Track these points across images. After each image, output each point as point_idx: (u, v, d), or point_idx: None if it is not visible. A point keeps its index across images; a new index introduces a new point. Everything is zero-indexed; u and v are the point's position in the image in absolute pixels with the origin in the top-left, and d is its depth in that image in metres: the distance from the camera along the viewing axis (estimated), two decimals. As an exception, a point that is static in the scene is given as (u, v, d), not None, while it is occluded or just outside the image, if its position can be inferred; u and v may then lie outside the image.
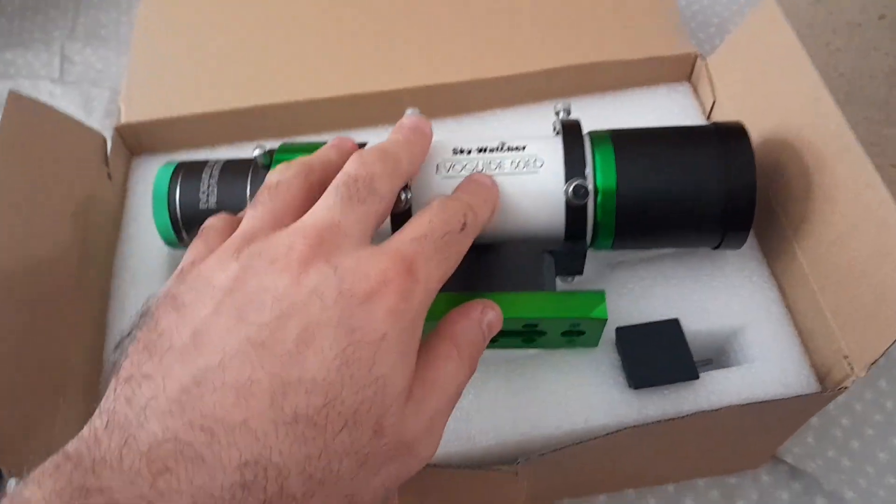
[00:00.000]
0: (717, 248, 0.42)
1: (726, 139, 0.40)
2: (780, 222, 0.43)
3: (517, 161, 0.40)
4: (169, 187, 0.42)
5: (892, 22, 0.68)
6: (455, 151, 0.41)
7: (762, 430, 0.43)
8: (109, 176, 0.50)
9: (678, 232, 0.41)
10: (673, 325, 0.41)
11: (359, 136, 0.52)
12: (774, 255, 0.44)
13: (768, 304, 0.43)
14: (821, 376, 0.40)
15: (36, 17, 0.80)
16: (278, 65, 0.53)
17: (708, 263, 0.45)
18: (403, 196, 0.38)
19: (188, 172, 0.43)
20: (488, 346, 0.40)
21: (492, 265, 0.39)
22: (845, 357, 0.38)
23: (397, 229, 0.40)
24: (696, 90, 0.53)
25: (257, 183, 0.41)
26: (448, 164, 0.40)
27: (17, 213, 0.41)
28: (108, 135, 0.51)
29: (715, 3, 0.74)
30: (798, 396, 0.39)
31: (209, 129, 0.52)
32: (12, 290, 0.39)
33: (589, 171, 0.39)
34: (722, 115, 0.50)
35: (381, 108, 0.52)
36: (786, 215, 0.43)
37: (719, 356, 0.44)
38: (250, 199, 0.41)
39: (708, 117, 0.52)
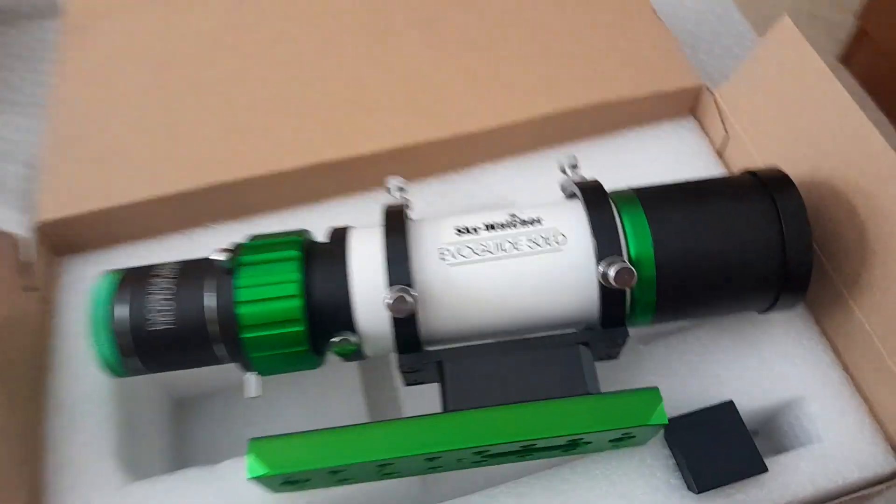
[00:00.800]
0: (765, 311, 0.36)
1: (770, 190, 0.35)
2: (829, 276, 0.38)
3: (535, 238, 0.34)
4: (112, 304, 0.34)
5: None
6: (459, 231, 0.34)
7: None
8: (30, 287, 0.41)
9: (726, 300, 0.35)
10: (728, 410, 0.36)
11: (332, 207, 0.45)
12: (824, 312, 0.39)
13: (824, 370, 0.38)
14: (899, 451, 0.35)
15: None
16: (231, 134, 0.45)
17: (750, 328, 0.39)
18: (409, 298, 0.31)
19: (134, 285, 0.35)
20: (522, 460, 0.34)
21: (522, 369, 0.33)
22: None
23: (402, 335, 0.34)
24: (702, 125, 0.48)
25: (220, 293, 0.33)
26: (454, 249, 0.34)
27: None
28: (26, 227, 0.42)
29: (718, 28, 0.68)
30: (883, 482, 0.34)
31: (152, 218, 0.43)
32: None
33: (622, 242, 0.33)
34: (739, 154, 0.45)
35: (354, 174, 0.45)
36: (835, 267, 0.38)
37: (771, 431, 0.39)
38: (214, 314, 0.33)
39: (720, 155, 0.47)
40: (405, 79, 0.47)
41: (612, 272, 0.31)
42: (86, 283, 0.42)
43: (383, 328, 0.33)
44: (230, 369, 0.36)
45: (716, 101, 0.46)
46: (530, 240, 0.34)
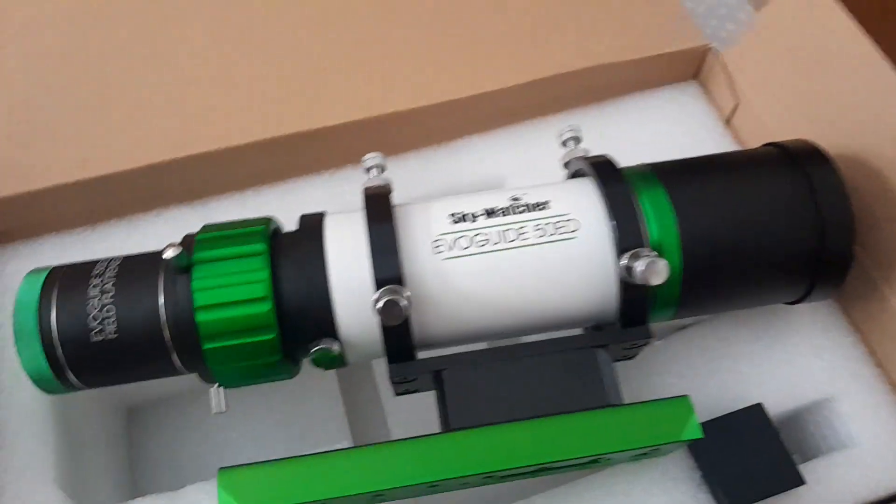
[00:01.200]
0: (796, 302, 0.33)
1: (803, 166, 0.31)
2: (860, 261, 0.34)
3: (543, 226, 0.29)
4: (40, 313, 0.28)
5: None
6: (455, 218, 0.30)
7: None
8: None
9: (757, 291, 0.31)
10: (757, 414, 0.32)
11: (296, 187, 0.40)
12: (854, 302, 0.35)
13: (856, 366, 0.34)
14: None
15: None
16: (177, 105, 0.39)
17: (774, 320, 0.36)
18: (402, 301, 0.26)
19: (68, 286, 0.29)
20: (534, 477, 0.30)
21: (533, 378, 0.28)
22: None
23: (393, 343, 0.29)
24: (707, 91, 0.44)
25: (174, 296, 0.28)
26: (450, 240, 0.29)
27: None
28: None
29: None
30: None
31: (84, 203, 0.37)
32: None
33: (644, 230, 0.29)
34: (750, 123, 0.41)
35: (320, 149, 0.39)
36: (868, 253, 0.34)
37: (797, 433, 0.35)
38: (167, 321, 0.28)
39: (727, 122, 0.42)
40: (379, 41, 0.41)
41: (639, 266, 0.27)
42: (7, 280, 0.36)
43: (370, 334, 0.28)
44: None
45: (723, 64, 0.41)
46: (537, 227, 0.29)
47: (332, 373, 0.42)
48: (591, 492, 0.31)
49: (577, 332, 0.31)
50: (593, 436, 0.27)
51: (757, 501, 0.30)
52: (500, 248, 0.29)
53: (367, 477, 0.26)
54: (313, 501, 0.26)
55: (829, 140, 0.35)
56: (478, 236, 0.29)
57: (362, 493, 0.26)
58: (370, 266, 0.28)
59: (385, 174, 0.32)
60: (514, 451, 0.26)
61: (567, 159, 0.34)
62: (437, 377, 0.29)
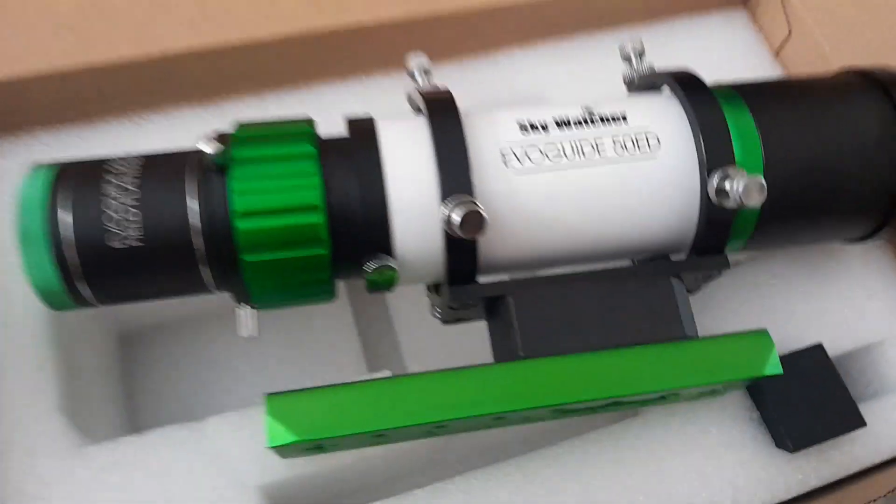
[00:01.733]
0: (862, 239, 0.31)
1: (891, 93, 0.29)
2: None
3: (623, 140, 0.27)
4: (49, 213, 0.24)
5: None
6: (524, 128, 0.27)
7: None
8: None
9: (831, 224, 0.30)
10: (817, 354, 0.31)
11: (320, 92, 0.36)
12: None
13: (908, 308, 0.33)
14: None
15: None
16: None
17: (827, 260, 0.34)
18: (482, 213, 0.23)
19: (81, 183, 0.25)
20: (605, 410, 0.28)
21: (607, 307, 0.26)
22: None
23: (456, 262, 0.26)
24: (754, 17, 0.41)
25: (209, 199, 0.24)
26: (521, 151, 0.26)
27: None
28: None
29: None
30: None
31: (80, 93, 0.32)
32: None
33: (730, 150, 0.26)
34: (805, 54, 0.38)
35: (352, 51, 0.35)
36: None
37: (851, 374, 0.34)
38: (207, 229, 0.24)
39: (777, 53, 0.40)
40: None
41: (737, 186, 0.24)
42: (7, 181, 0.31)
43: (431, 252, 0.26)
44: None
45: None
46: (616, 142, 0.26)
47: (343, 299, 0.39)
48: (649, 430, 0.29)
49: (654, 259, 0.29)
50: (673, 369, 0.25)
51: (819, 442, 0.29)
52: (578, 164, 0.26)
53: (432, 406, 0.24)
54: (372, 432, 0.23)
55: None
56: (551, 149, 0.26)
57: (427, 423, 0.24)
58: (436, 176, 0.25)
59: (431, 79, 0.29)
60: (590, 383, 0.24)
61: (633, 74, 0.31)
62: (494, 305, 0.26)
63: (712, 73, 0.35)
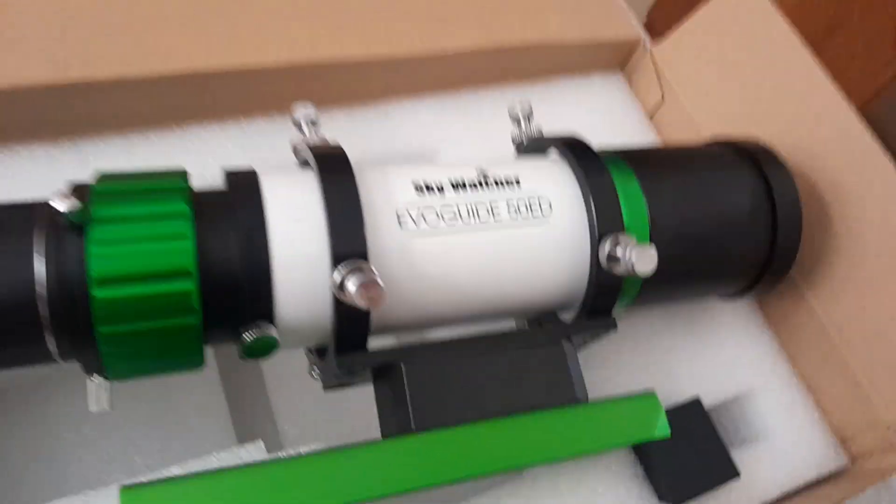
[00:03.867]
0: (734, 297, 0.33)
1: (760, 166, 0.31)
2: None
3: (516, 205, 0.26)
4: None
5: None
6: (419, 188, 0.26)
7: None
8: None
9: (712, 282, 0.31)
10: (695, 408, 0.32)
11: (198, 134, 0.33)
12: (771, 300, 0.36)
13: (773, 361, 0.35)
14: (845, 444, 0.34)
15: None
16: (71, 20, 0.30)
17: (700, 313, 0.36)
18: (378, 281, 0.22)
19: None
20: (471, 477, 0.27)
21: (499, 372, 0.25)
22: (888, 428, 0.32)
23: (345, 331, 0.24)
24: (630, 81, 0.43)
25: (60, 262, 0.21)
26: (416, 214, 0.25)
27: None
28: None
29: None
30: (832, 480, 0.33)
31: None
32: None
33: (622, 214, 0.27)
34: (675, 120, 0.41)
35: (233, 93, 0.33)
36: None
37: (722, 424, 0.36)
38: (55, 294, 0.21)
39: (651, 117, 0.42)
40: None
41: (628, 253, 0.25)
42: None
43: (318, 318, 0.24)
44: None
45: (653, 59, 0.41)
46: (510, 206, 0.26)
47: (209, 359, 0.36)
48: (536, 491, 0.29)
49: (531, 322, 0.29)
50: (566, 436, 0.25)
51: (697, 495, 0.30)
52: (473, 227, 0.25)
53: (315, 495, 0.22)
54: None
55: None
56: (447, 211, 0.25)
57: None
58: (327, 238, 0.23)
59: (318, 130, 0.27)
60: (484, 455, 0.24)
61: (522, 136, 0.31)
62: (382, 370, 0.25)
63: (592, 132, 0.36)
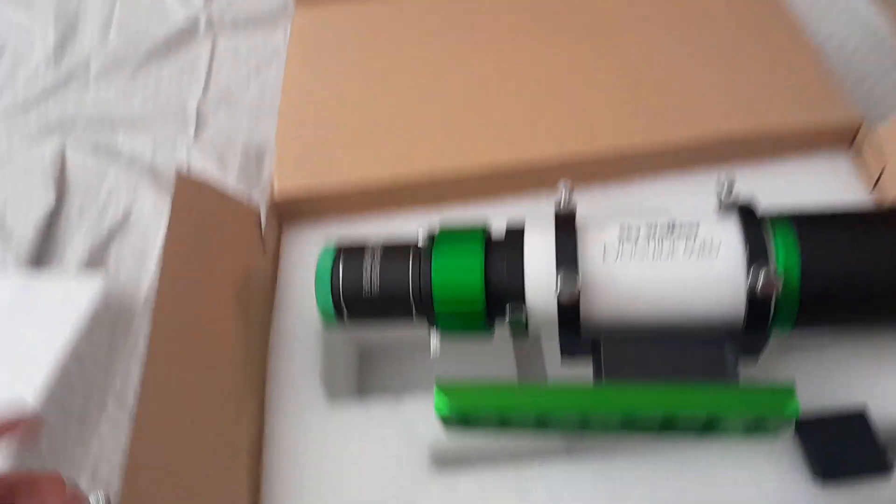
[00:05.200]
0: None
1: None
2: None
3: (691, 245, 0.39)
4: (332, 271, 0.43)
5: None
6: (622, 231, 0.40)
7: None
8: (264, 249, 0.51)
9: (865, 323, 0.39)
10: (860, 414, 0.39)
11: (507, 204, 0.52)
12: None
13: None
14: None
15: (171, 79, 0.84)
16: (431, 132, 0.54)
17: (892, 343, 0.42)
18: (576, 287, 0.37)
19: (350, 257, 0.43)
20: (663, 434, 0.39)
21: (670, 354, 0.38)
22: None
23: (565, 320, 0.39)
24: (859, 161, 0.50)
25: (419, 269, 0.41)
26: (616, 249, 0.39)
27: (187, 289, 0.43)
28: (250, 194, 0.52)
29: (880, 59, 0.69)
30: None
31: (360, 201, 0.53)
32: (183, 365, 0.41)
33: (772, 256, 0.38)
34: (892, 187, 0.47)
35: (528, 178, 0.52)
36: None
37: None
38: (412, 287, 0.41)
39: (874, 188, 0.49)
40: (576, 90, 0.54)
41: (760, 280, 0.36)
42: (304, 247, 0.52)
43: (549, 312, 0.40)
44: (405, 332, 0.44)
45: (877, 138, 0.48)
46: (687, 248, 0.39)
47: (509, 347, 0.54)
48: (707, 453, 0.40)
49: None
50: (710, 399, 0.36)
51: (844, 476, 0.37)
52: (655, 259, 0.39)
53: (541, 401, 0.37)
54: (501, 413, 0.38)
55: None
56: (638, 248, 0.39)
57: (536, 413, 0.37)
58: (555, 262, 0.39)
59: (573, 198, 0.44)
60: (648, 401, 0.36)
61: (721, 199, 0.43)
62: (595, 346, 0.39)
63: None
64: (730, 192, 0.42)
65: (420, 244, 0.42)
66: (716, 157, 0.51)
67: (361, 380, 0.55)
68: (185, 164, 0.74)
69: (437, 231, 0.43)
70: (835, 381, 0.41)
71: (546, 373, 0.51)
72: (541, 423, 0.39)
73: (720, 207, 0.43)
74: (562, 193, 0.44)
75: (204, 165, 0.74)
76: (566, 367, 0.42)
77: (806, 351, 0.43)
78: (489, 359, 0.53)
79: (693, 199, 0.50)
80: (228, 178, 0.72)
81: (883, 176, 0.48)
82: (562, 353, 0.41)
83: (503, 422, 0.39)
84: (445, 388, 0.38)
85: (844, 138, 0.50)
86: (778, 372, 0.43)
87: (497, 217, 0.44)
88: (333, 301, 0.43)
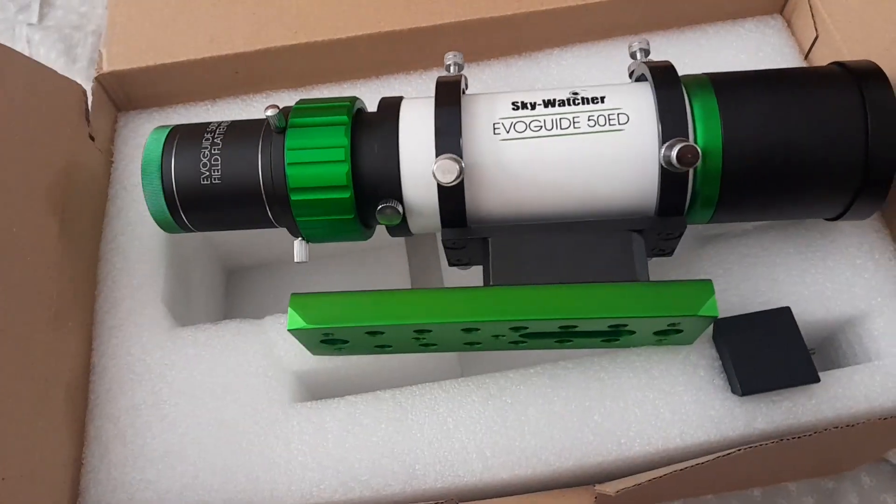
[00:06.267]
0: (835, 219, 0.34)
1: (858, 81, 0.32)
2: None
3: (596, 116, 0.32)
4: (162, 158, 0.34)
5: None
6: (515, 106, 0.33)
7: (885, 435, 0.36)
8: (91, 136, 0.41)
9: (796, 200, 0.33)
10: (784, 316, 0.34)
11: (389, 82, 0.44)
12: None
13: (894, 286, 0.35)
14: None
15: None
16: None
17: (818, 237, 0.37)
18: (456, 165, 0.30)
19: (185, 139, 0.35)
20: (558, 347, 0.33)
21: (569, 251, 0.32)
22: None
23: (447, 207, 0.33)
24: (790, 24, 0.44)
25: (270, 151, 0.33)
26: (508, 124, 0.32)
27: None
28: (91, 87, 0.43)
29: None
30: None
31: (208, 79, 0.43)
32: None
33: (689, 125, 0.31)
34: (827, 55, 0.41)
35: (412, 49, 0.43)
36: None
37: (828, 347, 0.37)
38: (262, 173, 0.33)
39: (806, 57, 0.43)
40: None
41: (674, 152, 0.29)
42: (143, 138, 0.42)
43: (429, 200, 0.33)
44: (280, 244, 0.36)
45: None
46: (591, 119, 0.32)
47: (403, 261, 0.47)
48: (615, 364, 0.34)
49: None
50: (615, 301, 0.30)
51: (768, 390, 0.32)
52: (553, 133, 0.32)
53: (413, 311, 0.30)
54: (365, 327, 0.31)
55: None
56: (534, 122, 0.32)
57: (408, 325, 0.30)
58: (435, 141, 0.32)
59: (461, 70, 0.36)
60: (541, 306, 0.30)
61: (633, 68, 0.36)
62: (484, 245, 0.33)
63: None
64: (644, 58, 0.36)
65: (271, 112, 0.33)
66: (630, 24, 0.44)
67: (230, 306, 0.47)
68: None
69: (294, 105, 0.35)
70: (758, 284, 0.36)
71: (443, 283, 0.44)
72: (421, 340, 0.32)
73: (632, 77, 0.36)
74: (448, 62, 0.36)
75: (47, 54, 0.63)
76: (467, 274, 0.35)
77: (725, 248, 0.37)
78: (385, 276, 0.46)
79: (604, 71, 0.43)
80: (76, 72, 0.61)
81: (815, 45, 0.42)
82: (447, 253, 0.34)
83: (376, 340, 0.32)
84: (299, 303, 0.31)
85: (775, 2, 0.44)
86: (692, 275, 0.37)
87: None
88: (165, 194, 0.34)
